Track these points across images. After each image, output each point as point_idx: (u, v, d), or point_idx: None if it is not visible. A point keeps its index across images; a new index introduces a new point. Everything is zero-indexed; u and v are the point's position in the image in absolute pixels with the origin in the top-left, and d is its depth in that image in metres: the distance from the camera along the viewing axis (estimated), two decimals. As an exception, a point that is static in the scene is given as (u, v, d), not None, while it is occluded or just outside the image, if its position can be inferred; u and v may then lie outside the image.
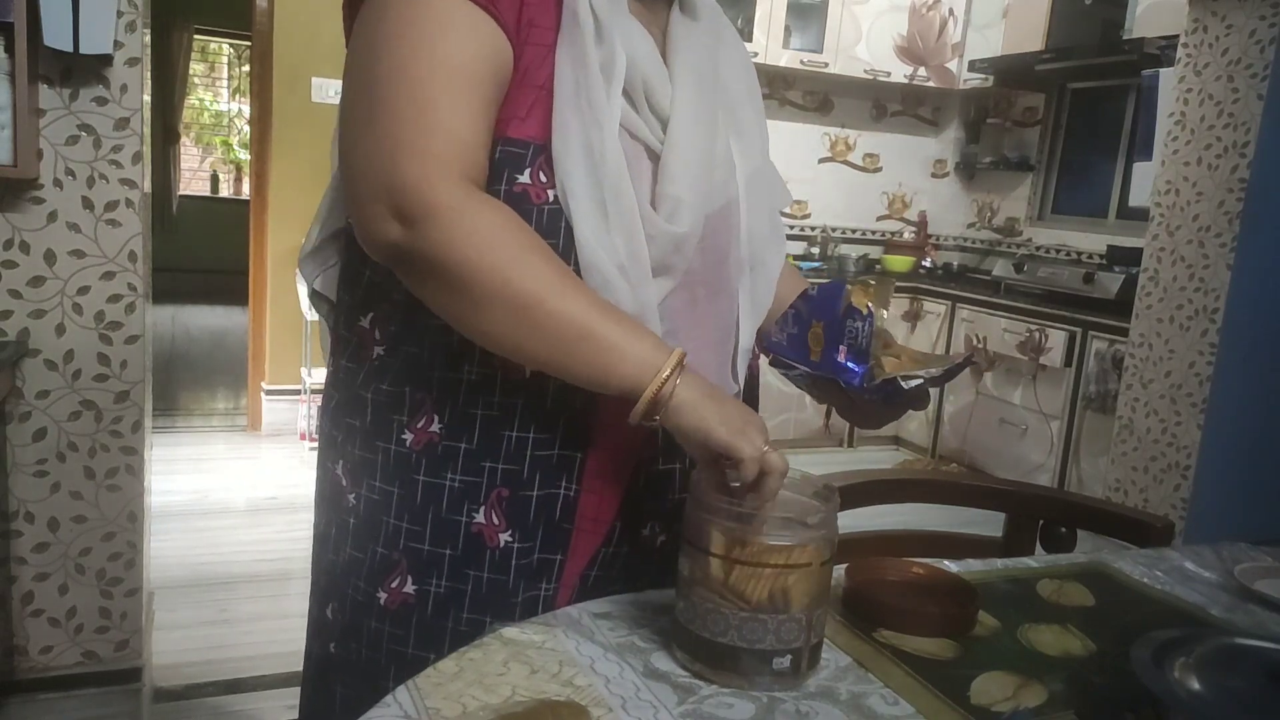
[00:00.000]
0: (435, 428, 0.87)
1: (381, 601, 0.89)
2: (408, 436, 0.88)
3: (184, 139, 8.68)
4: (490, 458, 0.86)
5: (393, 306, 0.89)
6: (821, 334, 0.86)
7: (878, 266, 5.13)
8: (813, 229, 5.21)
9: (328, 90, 4.05)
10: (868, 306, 0.83)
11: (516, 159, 0.82)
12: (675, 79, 0.89)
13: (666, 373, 0.77)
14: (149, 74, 2.06)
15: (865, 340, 0.84)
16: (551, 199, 0.83)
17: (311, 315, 3.68)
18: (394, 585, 0.89)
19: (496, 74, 0.81)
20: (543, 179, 0.83)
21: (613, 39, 0.83)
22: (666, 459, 0.91)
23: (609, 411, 0.86)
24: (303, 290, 2.66)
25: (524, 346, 0.79)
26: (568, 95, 0.82)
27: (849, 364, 0.83)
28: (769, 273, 0.99)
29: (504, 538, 0.87)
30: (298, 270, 1.02)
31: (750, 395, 1.03)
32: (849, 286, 0.85)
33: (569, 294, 0.78)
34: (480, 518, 0.87)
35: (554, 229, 0.83)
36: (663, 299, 0.88)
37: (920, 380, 0.85)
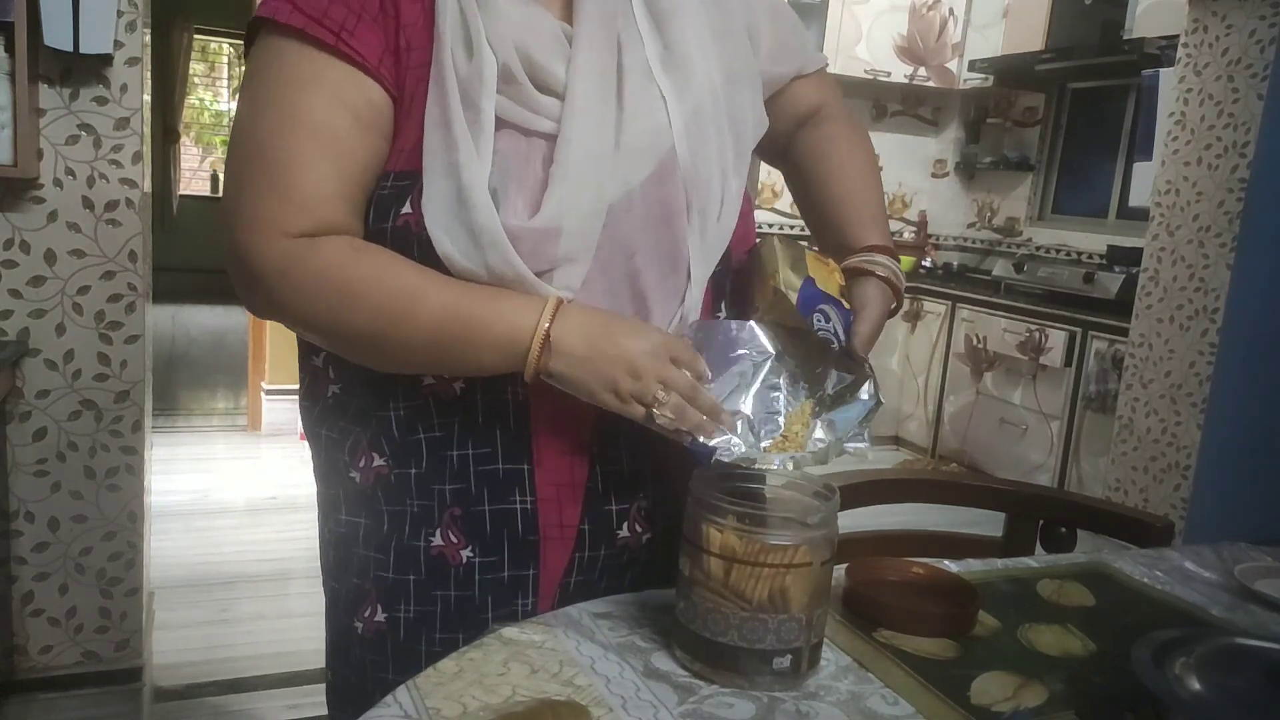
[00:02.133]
0: (379, 462, 0.88)
1: (359, 631, 0.90)
2: (355, 475, 0.89)
3: (184, 139, 8.68)
4: (438, 480, 0.87)
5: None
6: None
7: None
8: (813, 229, 5.21)
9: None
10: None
11: (403, 192, 0.81)
12: (574, 48, 0.82)
13: (535, 352, 0.78)
14: (149, 74, 2.06)
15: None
16: None
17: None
18: (367, 614, 0.89)
19: (360, 118, 0.80)
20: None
21: (481, 44, 0.79)
22: (631, 458, 0.89)
23: (545, 419, 0.85)
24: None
25: (405, 367, 0.84)
26: (434, 118, 0.80)
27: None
28: (724, 212, 0.89)
29: (465, 554, 0.87)
30: None
31: None
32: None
33: (414, 313, 0.78)
34: (438, 539, 0.87)
35: (432, 255, 0.79)
36: (585, 278, 0.82)
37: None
